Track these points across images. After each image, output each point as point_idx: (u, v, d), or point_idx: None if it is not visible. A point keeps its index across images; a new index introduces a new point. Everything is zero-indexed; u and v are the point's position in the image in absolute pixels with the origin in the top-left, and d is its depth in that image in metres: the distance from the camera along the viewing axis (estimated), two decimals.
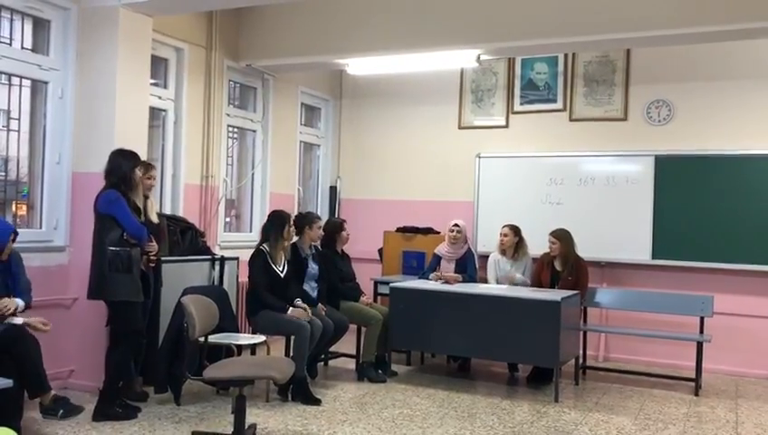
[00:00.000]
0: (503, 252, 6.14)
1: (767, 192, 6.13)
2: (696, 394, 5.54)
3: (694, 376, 5.64)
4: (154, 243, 4.62)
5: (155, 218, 4.74)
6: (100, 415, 4.27)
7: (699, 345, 5.61)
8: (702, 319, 5.73)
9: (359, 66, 6.51)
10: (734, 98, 6.39)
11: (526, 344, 5.26)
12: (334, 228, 5.94)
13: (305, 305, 5.12)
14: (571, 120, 7.00)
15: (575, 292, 5.65)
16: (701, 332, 5.72)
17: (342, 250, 5.99)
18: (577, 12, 5.44)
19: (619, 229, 6.58)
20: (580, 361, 5.93)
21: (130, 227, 4.29)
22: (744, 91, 6.35)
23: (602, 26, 5.37)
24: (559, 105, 7.06)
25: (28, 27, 4.98)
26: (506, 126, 7.28)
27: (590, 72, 6.94)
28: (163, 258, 4.90)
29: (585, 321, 6.13)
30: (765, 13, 4.89)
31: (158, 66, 5.86)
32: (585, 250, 6.03)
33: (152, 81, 5.54)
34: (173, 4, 5.15)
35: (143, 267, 4.56)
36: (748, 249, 6.17)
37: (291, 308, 5.05)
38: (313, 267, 5.56)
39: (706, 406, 5.24)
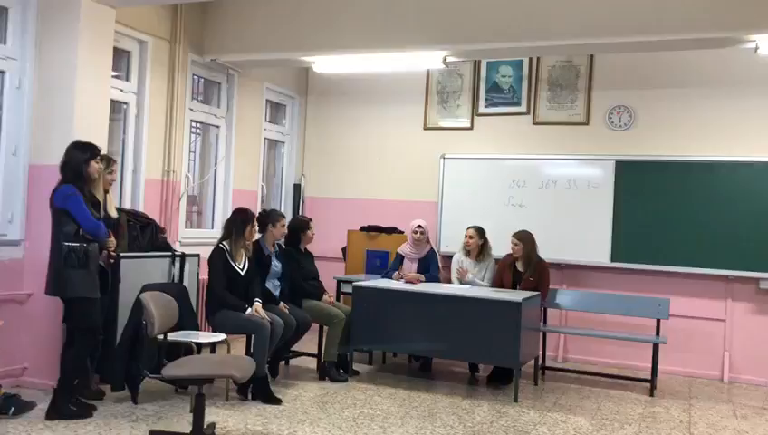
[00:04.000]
0: (467, 253, 6.18)
1: (723, 198, 6.29)
2: (652, 395, 5.65)
3: (649, 377, 5.76)
4: (113, 238, 4.53)
5: (114, 213, 4.65)
6: (54, 413, 4.17)
7: (655, 347, 5.73)
8: (658, 321, 5.85)
9: (325, 64, 6.49)
10: (693, 105, 6.54)
11: (487, 345, 5.30)
12: (300, 226, 5.90)
13: (260, 307, 5.03)
14: (534, 123, 7.08)
15: (536, 293, 5.72)
16: (657, 333, 5.84)
17: (306, 248, 5.96)
18: (542, 17, 5.50)
19: (580, 232, 6.68)
20: (540, 361, 6.00)
21: (85, 224, 4.20)
22: (703, 98, 6.51)
23: (567, 32, 5.45)
24: (523, 108, 7.13)
25: None
26: (471, 128, 7.33)
27: (553, 76, 7.03)
28: (122, 254, 4.82)
29: (545, 322, 6.20)
30: (722, 23, 5.03)
31: (120, 58, 5.76)
32: (546, 252, 6.11)
33: (114, 73, 5.43)
34: None
35: (102, 263, 4.47)
36: (704, 253, 6.31)
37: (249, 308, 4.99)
38: (276, 265, 5.52)
39: (661, 406, 5.35)
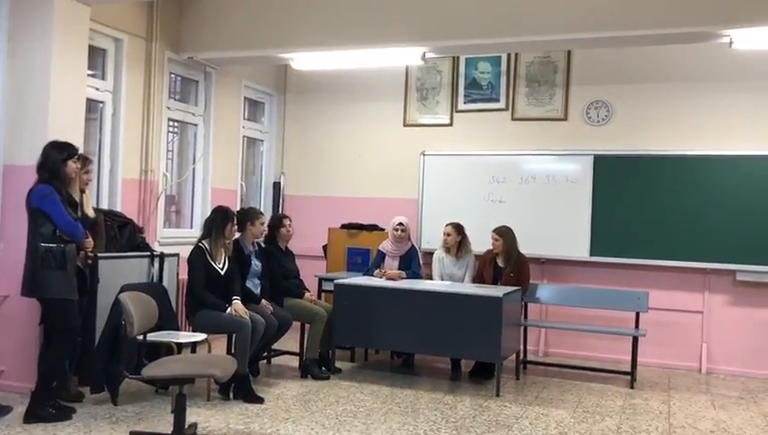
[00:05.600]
0: (447, 250, 6.19)
1: (700, 191, 6.36)
2: (632, 387, 5.71)
3: (629, 369, 5.82)
4: (90, 239, 4.48)
5: (91, 213, 4.59)
6: (32, 417, 4.11)
7: (635, 340, 5.79)
8: (637, 314, 5.92)
9: (303, 61, 6.45)
10: (669, 100, 6.61)
11: (469, 340, 5.32)
12: (274, 223, 5.88)
13: (239, 306, 5.00)
14: (513, 119, 7.11)
15: (517, 288, 5.75)
16: (636, 326, 5.90)
17: (286, 247, 5.94)
18: (520, 13, 5.52)
19: (559, 227, 6.72)
20: (521, 356, 6.03)
21: (63, 224, 4.15)
22: (680, 93, 6.58)
23: (544, 27, 5.47)
24: (501, 105, 7.16)
25: None
26: (450, 124, 7.35)
27: (531, 72, 7.06)
28: (100, 254, 4.76)
29: (526, 316, 6.24)
30: (697, 18, 5.08)
31: (95, 57, 5.69)
32: (526, 247, 6.14)
33: (89, 71, 5.36)
34: None
35: (80, 264, 4.42)
36: (681, 246, 6.39)
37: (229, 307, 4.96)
38: (256, 264, 5.49)
39: (641, 398, 5.41)
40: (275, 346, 5.79)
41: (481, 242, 6.15)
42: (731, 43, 5.20)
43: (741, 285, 6.34)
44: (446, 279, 6.11)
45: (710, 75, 6.47)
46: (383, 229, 6.84)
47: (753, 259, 6.18)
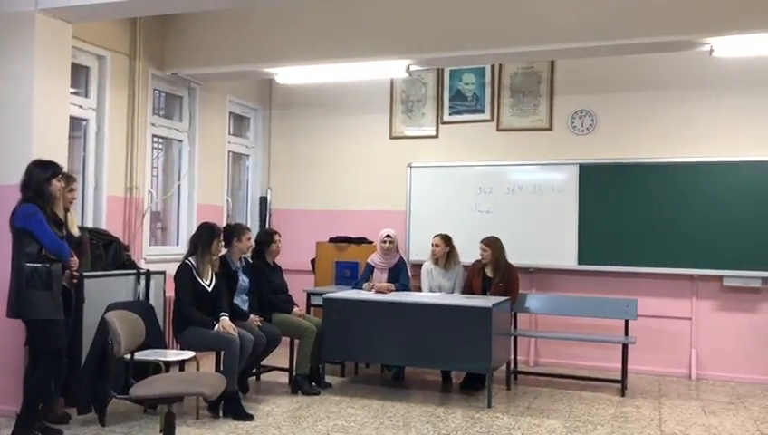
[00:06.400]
0: (435, 261, 6.18)
1: (685, 198, 6.41)
2: (623, 395, 5.71)
3: (620, 377, 5.82)
4: (75, 258, 4.43)
5: (76, 232, 4.56)
6: None
7: (624, 347, 5.80)
8: (627, 322, 5.92)
9: (288, 75, 6.45)
10: (653, 108, 6.66)
11: (459, 351, 5.30)
12: (264, 239, 5.85)
13: (227, 323, 4.95)
14: (498, 130, 7.14)
15: (506, 298, 5.75)
16: (626, 334, 5.91)
17: (274, 262, 5.90)
18: (503, 24, 5.56)
19: (546, 236, 6.74)
20: (512, 366, 6.02)
21: (49, 243, 4.10)
22: (663, 101, 6.63)
23: (528, 38, 5.51)
24: (486, 115, 7.19)
25: None
26: (436, 136, 7.36)
27: (516, 83, 7.10)
28: (85, 273, 4.71)
29: (515, 326, 6.24)
30: (681, 27, 5.14)
31: (78, 74, 5.66)
32: (514, 257, 6.14)
33: (73, 89, 5.34)
34: (93, 11, 4.88)
35: (66, 283, 4.37)
36: (668, 253, 6.42)
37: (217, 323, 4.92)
38: (244, 280, 5.46)
39: (632, 406, 5.41)
40: (264, 362, 5.74)
41: (469, 253, 6.15)
42: (711, 50, 5.26)
43: (728, 290, 6.37)
44: (435, 291, 6.10)
45: (692, 83, 6.54)
46: (371, 242, 6.83)
47: (739, 265, 6.23)
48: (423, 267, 6.28)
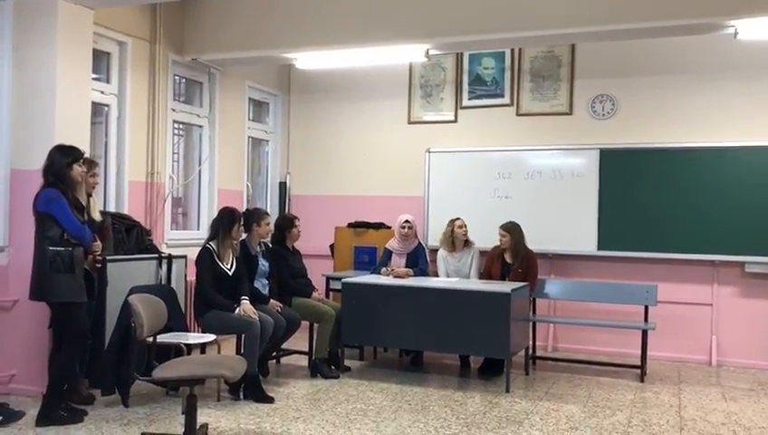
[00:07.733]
0: (450, 247, 6.18)
1: (707, 183, 6.34)
2: (642, 381, 5.69)
3: (639, 363, 5.80)
4: (99, 242, 4.49)
5: (98, 217, 4.61)
6: (44, 419, 4.13)
7: (644, 333, 5.77)
8: (646, 308, 5.89)
9: (307, 61, 6.46)
10: (674, 92, 6.58)
11: (477, 336, 5.31)
12: (285, 224, 5.88)
13: (248, 306, 5.00)
14: (518, 114, 7.09)
15: (525, 283, 5.74)
16: (646, 320, 5.88)
17: (294, 246, 5.94)
18: (523, 7, 5.51)
19: (566, 222, 6.70)
20: (530, 351, 6.02)
21: (71, 228, 4.16)
22: (685, 85, 6.55)
23: (548, 22, 5.46)
24: (506, 100, 7.14)
25: None
26: (455, 121, 7.34)
27: (535, 67, 7.04)
28: (108, 257, 4.78)
29: (534, 312, 6.23)
30: (702, 9, 5.06)
31: (100, 60, 5.71)
32: (533, 242, 6.12)
33: (94, 75, 5.38)
34: None
35: (88, 267, 4.43)
36: (689, 239, 6.36)
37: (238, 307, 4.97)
38: (264, 264, 5.50)
39: (651, 392, 5.39)
40: (284, 346, 5.80)
41: (488, 238, 6.14)
42: (736, 33, 5.17)
43: (749, 276, 6.31)
44: (452, 276, 6.11)
45: (715, 66, 6.44)
46: (390, 227, 6.83)
47: (761, 251, 6.15)
48: (438, 255, 6.28)
